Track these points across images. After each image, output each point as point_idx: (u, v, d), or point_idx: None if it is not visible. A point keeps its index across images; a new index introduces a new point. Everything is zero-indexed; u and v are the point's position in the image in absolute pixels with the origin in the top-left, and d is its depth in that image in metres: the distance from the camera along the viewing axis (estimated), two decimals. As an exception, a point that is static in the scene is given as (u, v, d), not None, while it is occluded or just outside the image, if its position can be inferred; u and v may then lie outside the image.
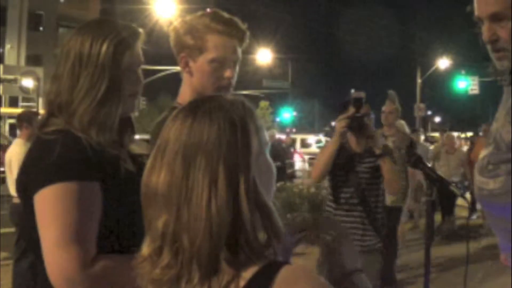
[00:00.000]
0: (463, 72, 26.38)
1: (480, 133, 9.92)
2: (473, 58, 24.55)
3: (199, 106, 0.90)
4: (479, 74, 24.15)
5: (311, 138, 27.75)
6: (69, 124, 1.37)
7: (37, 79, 18.12)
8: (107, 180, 1.34)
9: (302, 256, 1.23)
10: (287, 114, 39.96)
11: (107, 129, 1.39)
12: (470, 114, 43.77)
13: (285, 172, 10.47)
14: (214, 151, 0.85)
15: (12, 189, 4.95)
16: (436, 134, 22.11)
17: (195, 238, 0.83)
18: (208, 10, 1.71)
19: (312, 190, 7.61)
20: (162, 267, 0.86)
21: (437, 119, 56.58)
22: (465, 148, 11.28)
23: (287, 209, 7.18)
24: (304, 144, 26.00)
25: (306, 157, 18.53)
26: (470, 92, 26.31)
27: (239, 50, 1.71)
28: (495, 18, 1.41)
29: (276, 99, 38.86)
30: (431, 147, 11.61)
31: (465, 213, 8.38)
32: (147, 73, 17.71)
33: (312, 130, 39.32)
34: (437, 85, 35.16)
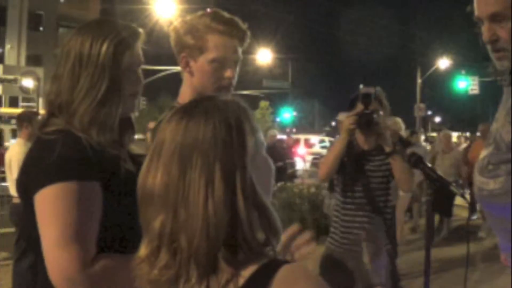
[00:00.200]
0: (463, 72, 26.34)
1: (478, 133, 9.76)
2: (473, 58, 24.55)
3: (194, 107, 0.91)
4: (479, 74, 24.13)
5: (314, 138, 27.74)
6: (69, 124, 1.37)
7: (37, 79, 18.10)
8: (107, 180, 1.34)
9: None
10: (287, 114, 39.97)
11: (108, 129, 1.40)
12: (470, 114, 43.74)
13: (285, 172, 10.45)
14: (210, 151, 0.85)
15: (12, 189, 4.95)
16: (436, 134, 22.09)
17: (193, 238, 0.83)
18: (208, 10, 1.70)
19: (312, 190, 7.62)
20: (160, 268, 0.86)
21: (437, 119, 56.61)
22: (464, 145, 11.20)
23: (287, 209, 7.18)
24: (308, 144, 26.01)
25: (309, 157, 18.51)
26: (470, 92, 26.29)
27: (240, 50, 1.71)
28: (495, 18, 1.41)
29: (276, 99, 38.89)
30: (428, 146, 11.56)
31: (465, 213, 8.37)
32: (147, 73, 17.71)
33: (312, 130, 39.32)
34: (437, 85, 35.17)
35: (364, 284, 2.73)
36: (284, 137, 18.21)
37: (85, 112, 1.37)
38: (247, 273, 0.84)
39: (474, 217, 8.16)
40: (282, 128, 32.76)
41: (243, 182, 0.86)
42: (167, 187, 0.86)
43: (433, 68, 27.58)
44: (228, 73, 1.68)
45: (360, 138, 2.97)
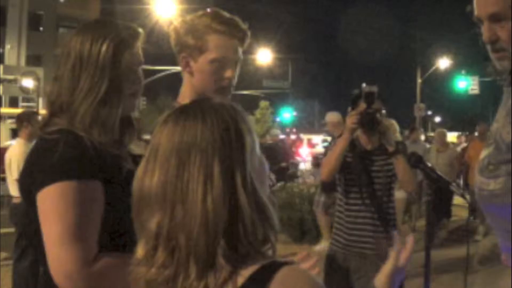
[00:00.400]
0: (463, 72, 26.33)
1: (476, 133, 9.60)
2: (473, 58, 24.53)
3: (190, 108, 0.91)
4: (479, 74, 24.14)
5: (316, 138, 27.73)
6: (71, 124, 1.38)
7: (37, 79, 18.08)
8: (109, 179, 1.35)
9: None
10: (287, 114, 39.96)
11: (109, 129, 1.40)
12: (470, 114, 43.68)
13: (286, 172, 10.44)
14: (208, 147, 0.85)
15: (12, 189, 4.95)
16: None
17: (191, 234, 0.83)
18: (208, 10, 1.70)
19: (312, 190, 7.61)
20: (157, 267, 0.86)
21: (437, 119, 56.55)
22: (464, 145, 11.12)
23: (287, 209, 7.18)
24: (310, 144, 26.02)
25: (310, 157, 18.49)
26: (470, 92, 26.27)
27: (240, 50, 1.71)
28: (495, 18, 1.41)
29: (276, 99, 38.80)
30: (428, 146, 11.53)
31: (464, 213, 8.36)
32: (147, 73, 17.69)
33: (312, 130, 39.31)
34: (437, 85, 35.08)
35: (366, 285, 2.73)
36: (283, 137, 18.19)
37: (86, 112, 1.38)
38: (247, 272, 0.84)
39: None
40: (282, 128, 32.72)
41: (243, 178, 0.86)
42: (164, 185, 0.86)
43: (433, 68, 27.58)
44: (228, 73, 1.68)
45: (362, 137, 2.93)
